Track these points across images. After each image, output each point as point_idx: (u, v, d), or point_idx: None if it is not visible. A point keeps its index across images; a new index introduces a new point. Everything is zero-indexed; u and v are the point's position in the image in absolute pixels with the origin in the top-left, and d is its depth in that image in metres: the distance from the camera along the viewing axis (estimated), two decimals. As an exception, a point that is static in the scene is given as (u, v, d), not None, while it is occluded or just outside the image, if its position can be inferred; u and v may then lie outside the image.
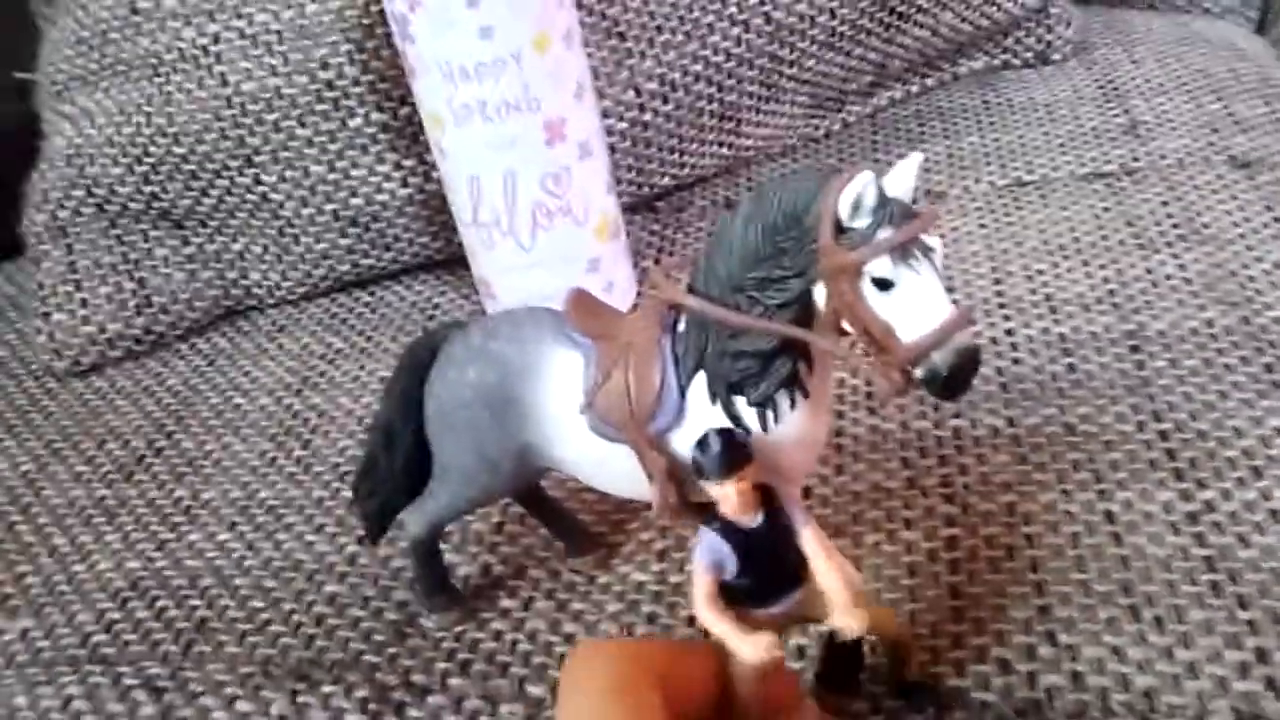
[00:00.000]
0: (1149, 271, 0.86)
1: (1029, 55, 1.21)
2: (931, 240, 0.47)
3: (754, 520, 0.50)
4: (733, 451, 0.49)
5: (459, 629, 0.67)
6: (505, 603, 0.68)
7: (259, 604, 0.71)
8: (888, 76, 1.16)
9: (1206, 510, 0.65)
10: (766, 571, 0.51)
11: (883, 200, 0.46)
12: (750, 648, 0.48)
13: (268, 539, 0.77)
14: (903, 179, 0.47)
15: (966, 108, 1.15)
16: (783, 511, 0.51)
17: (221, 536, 0.78)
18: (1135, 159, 1.01)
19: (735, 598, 0.50)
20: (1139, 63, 1.17)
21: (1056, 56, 1.21)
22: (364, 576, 0.72)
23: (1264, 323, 0.79)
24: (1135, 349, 0.79)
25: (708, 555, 0.50)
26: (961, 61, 1.21)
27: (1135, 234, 0.91)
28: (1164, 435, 0.71)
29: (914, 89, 1.19)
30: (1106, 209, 0.95)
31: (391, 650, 0.66)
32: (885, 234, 0.46)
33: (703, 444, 0.49)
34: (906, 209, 0.47)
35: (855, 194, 0.46)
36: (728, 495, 0.49)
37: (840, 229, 0.47)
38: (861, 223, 0.46)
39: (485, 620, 0.67)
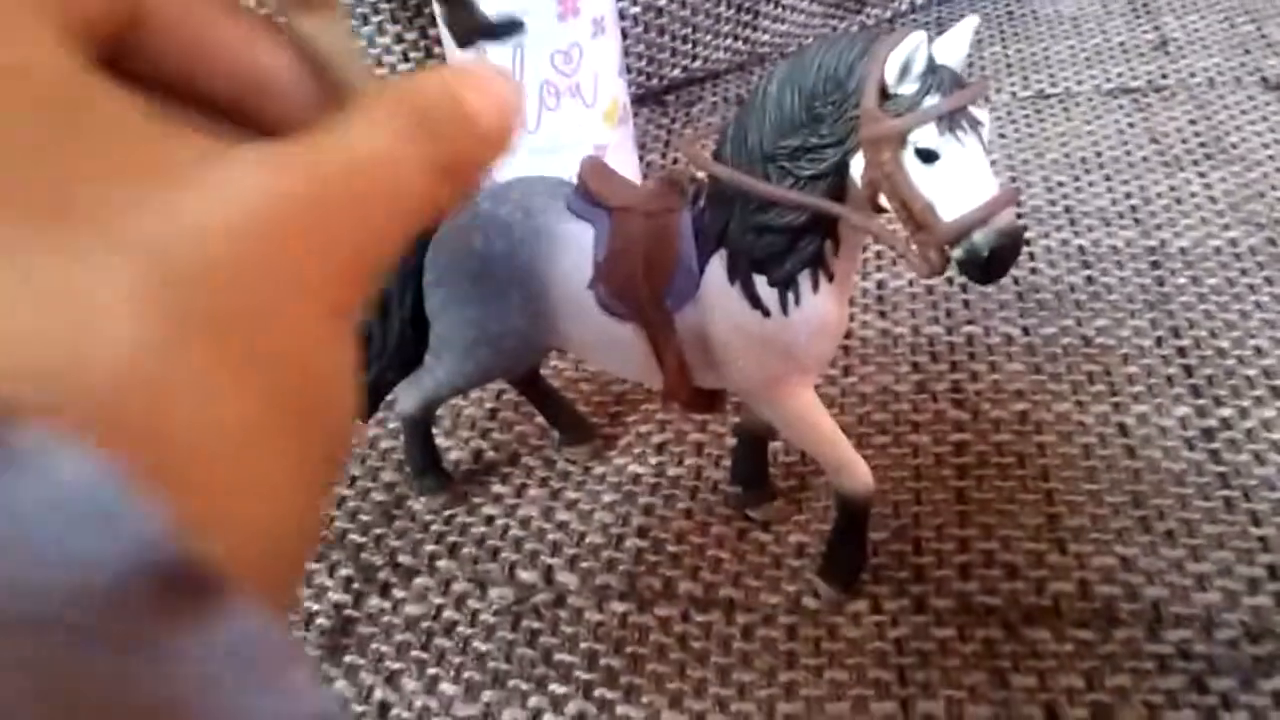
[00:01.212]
0: (1173, 189, 0.83)
1: (1058, -35, 1.17)
2: (980, 113, 0.44)
3: None
4: None
5: (448, 512, 0.65)
6: (497, 488, 0.66)
7: (241, 479, 0.69)
8: (911, -22, 1.12)
9: (1223, 427, 0.64)
10: None
11: (932, 65, 0.43)
12: None
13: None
14: (956, 45, 0.44)
15: (989, 17, 1.11)
16: None
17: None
18: (1164, 76, 0.98)
19: None
20: (1171, -22, 1.12)
21: (1086, -32, 1.16)
22: (352, 456, 0.70)
23: (1289, 245, 0.77)
24: (1156, 265, 0.76)
25: None
26: (987, -32, 1.17)
27: (1160, 151, 0.88)
28: (1182, 351, 0.69)
29: (936, -5, 1.15)
30: (1131, 125, 0.92)
31: (378, 531, 0.64)
32: (933, 101, 0.43)
33: None
34: (956, 77, 0.43)
35: (905, 56, 0.42)
36: None
37: (885, 95, 0.43)
38: (909, 88, 0.43)
39: (476, 505, 0.65)
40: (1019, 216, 0.82)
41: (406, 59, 0.96)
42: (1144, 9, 1.09)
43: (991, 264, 0.44)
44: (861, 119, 0.44)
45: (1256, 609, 0.54)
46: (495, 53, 0.79)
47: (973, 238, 0.43)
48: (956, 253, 0.44)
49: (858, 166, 0.45)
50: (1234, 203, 0.81)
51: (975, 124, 0.44)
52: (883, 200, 0.45)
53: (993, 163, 0.88)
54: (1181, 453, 0.62)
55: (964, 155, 0.43)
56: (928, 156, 0.43)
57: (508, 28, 0.32)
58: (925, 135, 0.43)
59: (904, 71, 0.43)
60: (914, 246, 0.45)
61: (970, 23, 0.44)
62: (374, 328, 0.60)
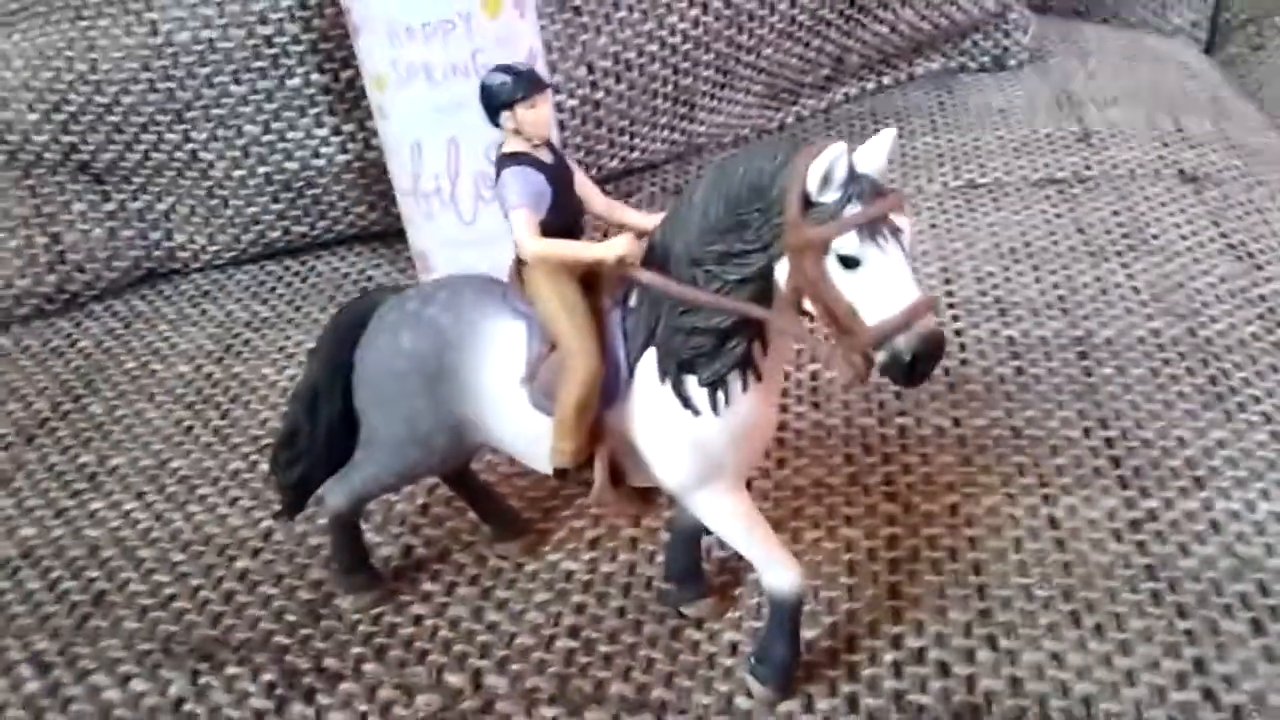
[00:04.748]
0: (1098, 279, 0.86)
1: (985, 60, 1.21)
2: (901, 220, 0.45)
3: (550, 155, 0.52)
4: (530, 73, 0.51)
5: (376, 612, 0.63)
6: (427, 586, 0.65)
7: (163, 578, 0.67)
8: (844, 72, 1.15)
9: (1149, 519, 0.64)
10: (568, 208, 0.52)
11: (853, 175, 0.44)
12: (611, 247, 0.49)
13: (178, 510, 0.72)
14: (875, 154, 0.45)
15: (921, 108, 1.15)
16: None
17: (127, 506, 0.73)
18: (1088, 167, 1.01)
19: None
20: (1093, 73, 1.17)
21: (1012, 62, 1.21)
22: (278, 553, 0.68)
23: (1209, 335, 0.79)
24: (1083, 355, 0.78)
25: (527, 191, 0.50)
26: (918, 62, 1.20)
27: (1086, 241, 0.90)
28: (1110, 442, 0.70)
29: (870, 86, 1.18)
30: (1059, 215, 0.94)
31: (304, 631, 0.63)
32: (854, 210, 0.44)
33: (495, 72, 0.51)
34: (877, 186, 0.44)
35: (825, 167, 0.43)
36: (539, 119, 0.50)
37: (808, 203, 0.44)
38: (830, 197, 0.44)
39: (404, 604, 0.64)
40: (950, 309, 0.84)
41: (344, 149, 0.96)
42: (1067, 101, 1.12)
43: (914, 368, 0.44)
44: (785, 226, 0.45)
45: (1184, 704, 0.54)
46: (432, 147, 0.80)
47: (895, 342, 0.44)
48: (879, 357, 0.44)
49: (782, 271, 0.46)
50: (1156, 293, 0.84)
51: (896, 231, 0.44)
52: (807, 304, 0.46)
53: (924, 253, 0.91)
54: (1109, 545, 0.63)
55: (886, 262, 0.44)
56: (850, 263, 0.44)
57: None
58: (847, 243, 0.44)
59: (825, 181, 0.44)
60: (838, 351, 0.45)
61: (889, 134, 0.46)
62: (302, 423, 0.59)
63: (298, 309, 0.95)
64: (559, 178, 0.52)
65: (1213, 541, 0.63)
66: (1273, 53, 1.28)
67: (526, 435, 0.53)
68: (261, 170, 0.97)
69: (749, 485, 0.68)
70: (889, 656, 0.58)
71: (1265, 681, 0.55)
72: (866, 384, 0.49)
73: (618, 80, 1.00)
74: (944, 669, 0.57)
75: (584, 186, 0.54)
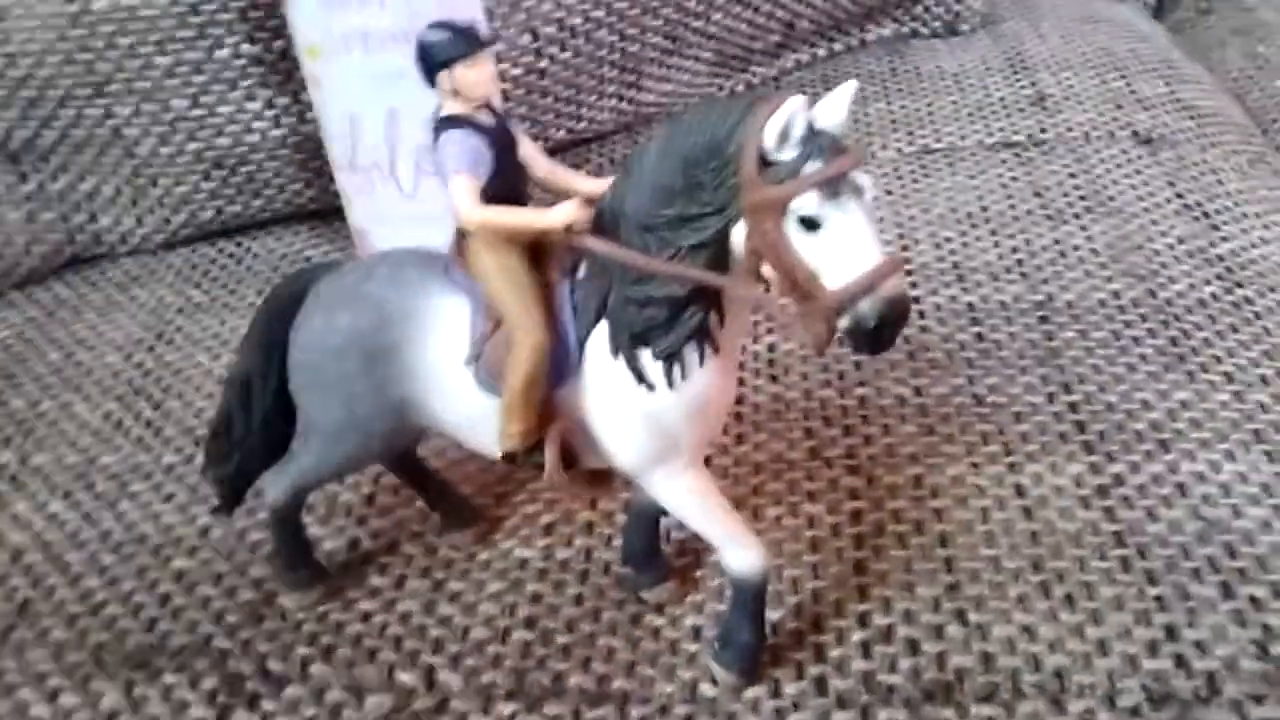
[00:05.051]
0: (1057, 242, 0.84)
1: (937, 25, 1.19)
2: (862, 178, 0.42)
3: (491, 118, 0.49)
4: (470, 30, 0.48)
5: (322, 609, 0.60)
6: (374, 581, 0.62)
7: (93, 583, 0.63)
8: (795, 38, 1.13)
9: (1116, 484, 0.63)
10: (512, 174, 0.49)
11: (812, 132, 0.42)
12: (557, 213, 0.47)
13: (108, 509, 0.69)
14: (835, 109, 0.43)
15: (874, 74, 1.12)
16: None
17: (53, 507, 0.69)
18: (1043, 130, 1.00)
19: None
20: (1045, 37, 1.15)
21: (965, 27, 1.19)
22: (217, 551, 0.65)
23: (1169, 296, 0.78)
24: (1044, 319, 0.77)
25: (467, 156, 0.47)
26: (870, 28, 1.18)
27: (1043, 204, 0.89)
28: (1073, 407, 0.69)
29: (821, 53, 1.16)
30: (1014, 179, 0.93)
31: (245, 634, 0.59)
32: (814, 168, 0.41)
33: (433, 29, 0.48)
34: (837, 143, 0.42)
35: (783, 122, 0.41)
36: (481, 79, 0.47)
37: (765, 162, 0.42)
38: (788, 155, 0.42)
39: (351, 600, 0.61)
40: (908, 275, 0.82)
41: (278, 124, 0.92)
42: (1021, 65, 1.11)
43: (879, 334, 0.42)
44: (741, 186, 0.42)
45: (1157, 672, 0.53)
46: (371, 119, 0.77)
47: (859, 307, 0.42)
48: (843, 323, 0.42)
49: (739, 236, 0.44)
50: (1115, 255, 0.82)
51: (858, 190, 0.42)
52: (766, 270, 0.43)
53: (880, 220, 0.89)
54: (1077, 512, 0.62)
55: (847, 223, 0.42)
56: (810, 224, 0.42)
57: None
58: (807, 203, 0.41)
59: (783, 137, 0.41)
60: (799, 318, 0.43)
61: (850, 86, 0.43)
62: (236, 412, 0.56)
63: (232, 292, 0.90)
64: (501, 141, 0.49)
65: (1180, 505, 0.62)
66: (1222, 17, 1.28)
67: (473, 417, 0.51)
68: (191, 147, 0.92)
69: (707, 462, 0.66)
70: (856, 636, 0.56)
71: (1237, 647, 0.54)
72: (829, 352, 0.47)
73: (563, 48, 0.97)
74: (913, 647, 0.55)
75: (528, 151, 0.51)
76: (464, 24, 0.48)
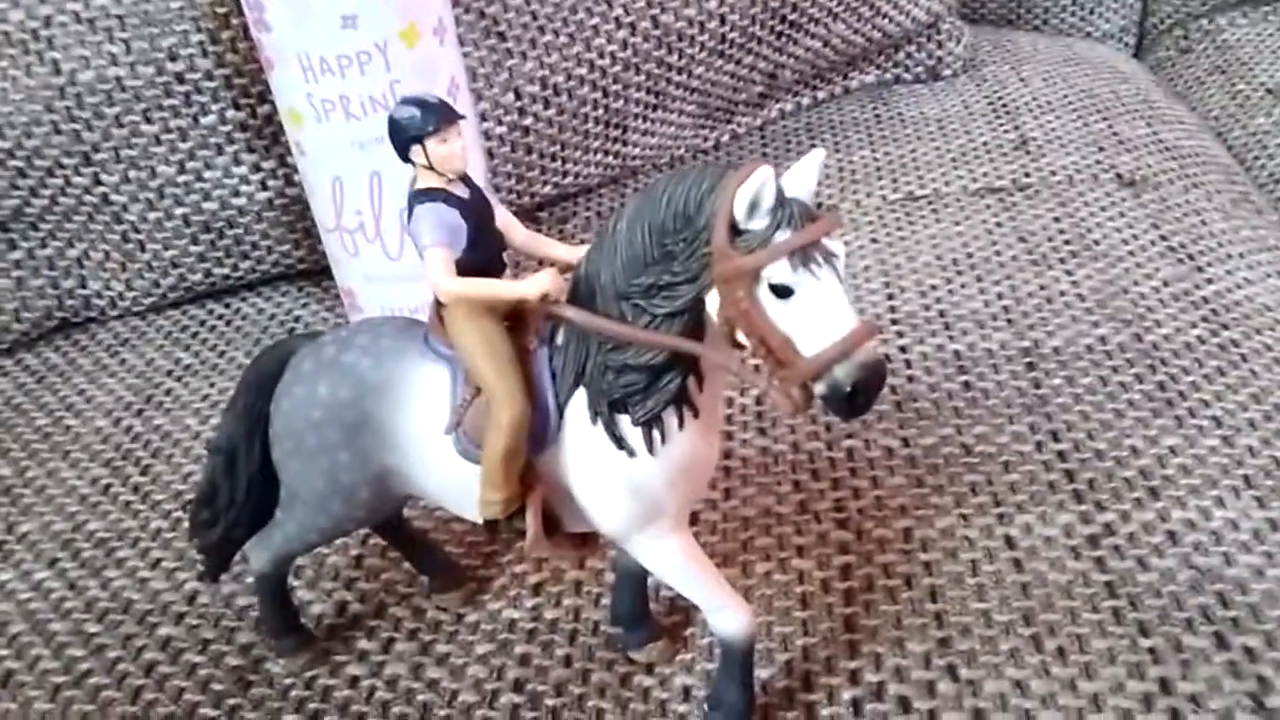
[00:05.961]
0: (1043, 288, 0.84)
1: (920, 70, 1.20)
2: (834, 245, 0.42)
3: (466, 190, 0.49)
4: (439, 105, 0.48)
5: (310, 674, 0.60)
6: (362, 644, 0.61)
7: (78, 652, 0.63)
8: (778, 88, 1.14)
9: (1106, 533, 0.63)
10: (488, 244, 0.49)
11: (782, 200, 0.42)
12: (532, 284, 0.47)
13: (94, 576, 0.68)
14: (804, 177, 0.43)
15: (858, 121, 1.13)
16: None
17: (39, 575, 0.69)
18: (1026, 174, 1.00)
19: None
20: (1027, 81, 1.17)
21: (947, 72, 1.20)
22: (204, 617, 0.64)
23: (1155, 340, 0.78)
24: (1031, 366, 0.77)
25: (441, 229, 0.47)
26: (853, 75, 1.19)
27: (1028, 249, 0.89)
28: (1062, 455, 0.69)
29: (805, 101, 1.17)
30: (999, 224, 0.93)
31: (232, 701, 0.59)
32: (784, 236, 0.41)
33: (403, 105, 0.48)
34: (807, 210, 0.42)
35: (752, 192, 0.41)
36: (452, 153, 0.47)
37: (736, 230, 0.42)
38: (759, 224, 0.42)
39: (340, 664, 0.60)
40: (894, 324, 0.82)
41: (265, 187, 0.93)
42: (1003, 109, 1.12)
43: (855, 399, 0.42)
44: (713, 256, 0.42)
45: (1152, 729, 0.52)
46: (354, 183, 0.77)
47: (834, 373, 0.42)
48: (819, 389, 0.42)
49: (713, 303, 0.44)
50: (1100, 299, 0.83)
51: (830, 256, 0.42)
52: (741, 336, 0.43)
53: (866, 268, 0.89)
54: (1067, 563, 0.61)
55: (820, 289, 0.42)
56: (782, 292, 0.42)
57: None
58: (778, 271, 0.41)
59: (753, 207, 0.42)
60: (776, 384, 0.43)
61: (817, 155, 0.44)
62: (220, 480, 0.56)
63: (222, 354, 0.91)
64: (477, 212, 0.49)
65: (1171, 553, 0.61)
66: (1201, 56, 1.29)
67: (454, 485, 0.50)
68: (179, 212, 0.93)
69: (695, 518, 0.66)
70: (847, 694, 0.55)
71: (1232, 700, 0.53)
72: (804, 416, 0.47)
73: (546, 105, 0.98)
74: (905, 704, 0.55)
75: (505, 220, 0.51)
76: (434, 99, 0.48)
